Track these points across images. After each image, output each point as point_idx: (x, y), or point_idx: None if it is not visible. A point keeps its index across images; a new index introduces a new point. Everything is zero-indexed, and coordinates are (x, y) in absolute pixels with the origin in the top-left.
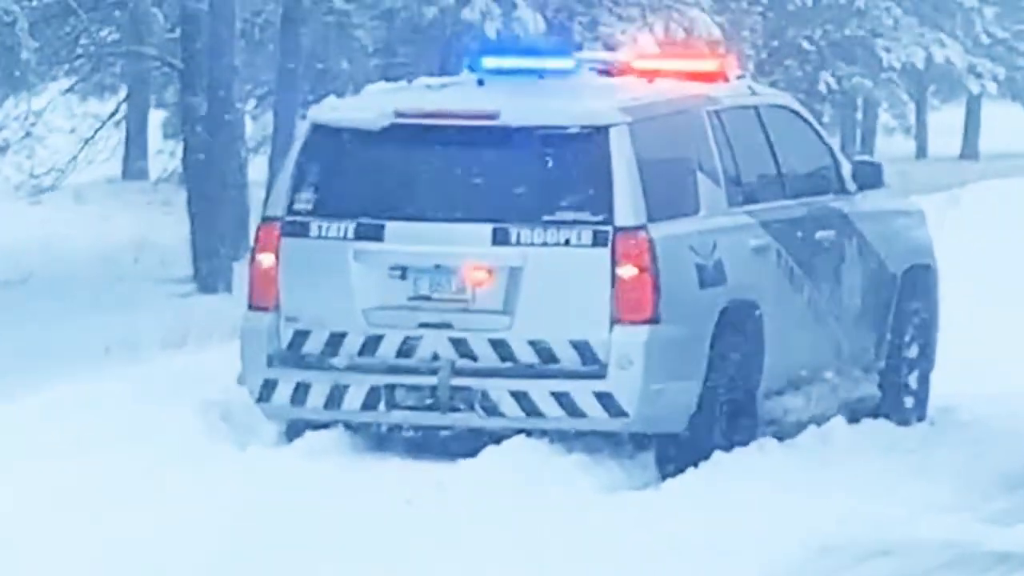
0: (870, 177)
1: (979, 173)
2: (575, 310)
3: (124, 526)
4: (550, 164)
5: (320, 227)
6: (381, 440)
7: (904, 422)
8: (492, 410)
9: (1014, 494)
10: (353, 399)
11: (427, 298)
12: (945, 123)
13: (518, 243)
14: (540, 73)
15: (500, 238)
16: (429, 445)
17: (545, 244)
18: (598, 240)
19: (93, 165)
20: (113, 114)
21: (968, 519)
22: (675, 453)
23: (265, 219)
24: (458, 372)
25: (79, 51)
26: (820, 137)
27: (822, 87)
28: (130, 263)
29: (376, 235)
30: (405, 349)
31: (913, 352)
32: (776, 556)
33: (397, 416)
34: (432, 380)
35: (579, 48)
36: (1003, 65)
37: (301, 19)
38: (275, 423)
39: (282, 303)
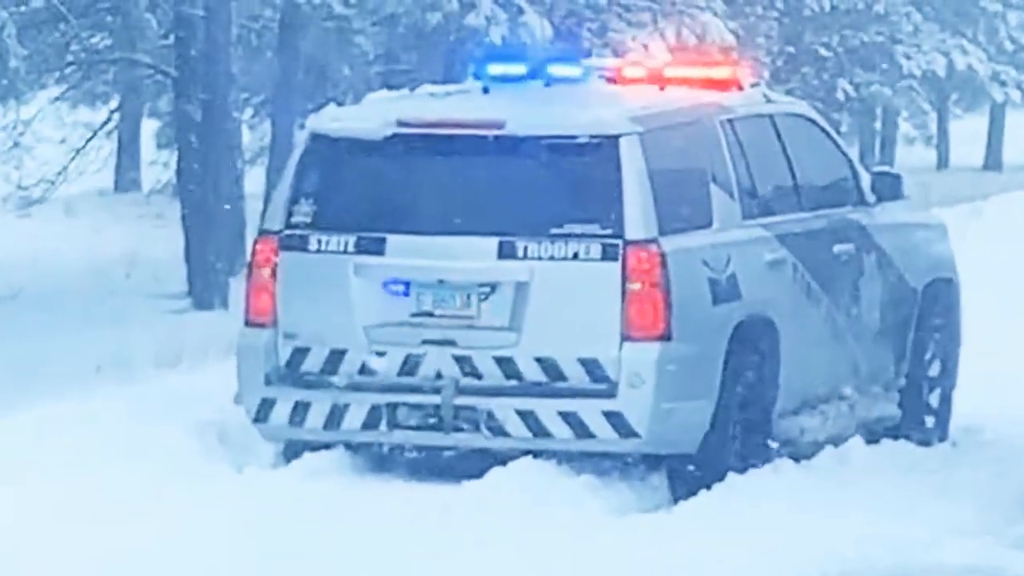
0: (890, 189)
1: (1002, 185)
2: (584, 326)
3: (117, 551)
4: (558, 175)
5: (319, 241)
6: (383, 461)
7: (925, 442)
8: (498, 430)
9: None
10: (354, 419)
11: (430, 314)
12: (967, 132)
13: (525, 257)
14: (548, 80)
15: (506, 252)
16: (432, 466)
17: (552, 258)
18: (608, 254)
19: (84, 176)
20: (105, 123)
21: (991, 543)
22: (687, 475)
23: (262, 232)
24: (462, 391)
25: (70, 58)
26: (838, 147)
27: (840, 95)
28: (122, 278)
29: (377, 249)
30: (408, 367)
31: (934, 369)
32: None
33: (399, 436)
34: (436, 399)
35: (588, 55)
36: None
37: (300, 24)
38: (273, 444)
39: (280, 319)
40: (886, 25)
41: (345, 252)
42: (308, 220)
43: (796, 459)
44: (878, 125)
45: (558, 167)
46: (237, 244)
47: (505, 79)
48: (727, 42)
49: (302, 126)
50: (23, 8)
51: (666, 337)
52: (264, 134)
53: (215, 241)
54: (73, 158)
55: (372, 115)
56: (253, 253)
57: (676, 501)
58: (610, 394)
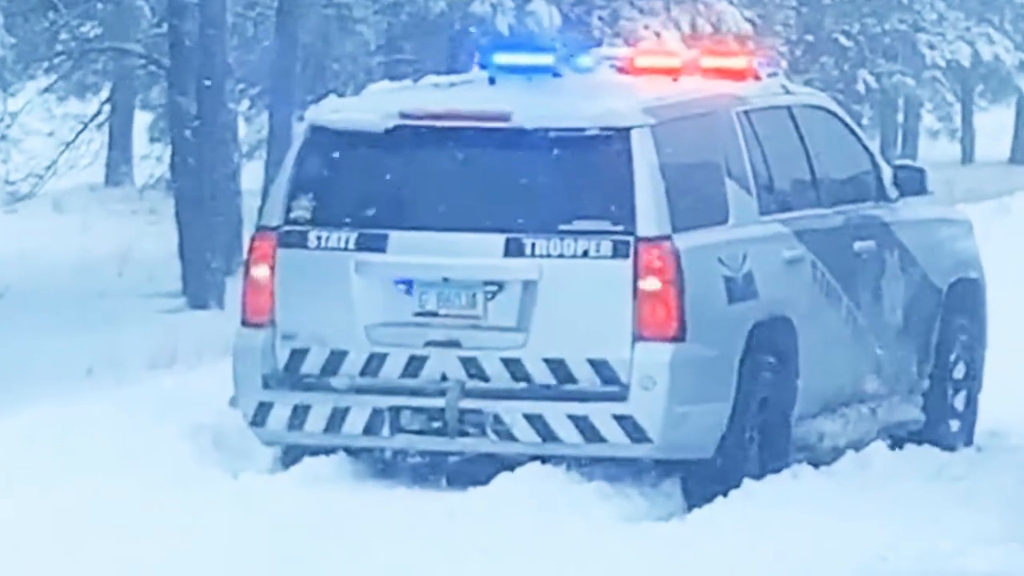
0: (912, 183)
1: None
2: (594, 326)
3: (109, 558)
4: (567, 169)
5: (319, 237)
6: (385, 467)
7: (949, 447)
8: (505, 434)
9: None
10: (355, 423)
11: (434, 314)
12: (993, 125)
13: (532, 255)
14: (556, 70)
15: (513, 249)
16: (437, 472)
17: (561, 256)
18: (619, 251)
19: (74, 171)
20: (95, 115)
21: (1017, 550)
22: (702, 481)
23: (260, 229)
24: (468, 393)
25: (59, 48)
26: (859, 140)
27: (860, 86)
28: (114, 276)
29: (379, 246)
30: (411, 369)
31: (959, 372)
32: None
33: (402, 441)
34: (440, 402)
35: (598, 44)
36: None
37: (298, 13)
38: (271, 448)
39: (278, 319)
40: (909, 13)
41: (346, 249)
42: (307, 216)
43: (816, 465)
44: (900, 117)
45: (567, 161)
46: (233, 241)
47: (512, 69)
48: (743, 31)
49: (301, 118)
50: None
51: (680, 338)
52: (261, 126)
53: (210, 238)
54: (63, 151)
55: (374, 107)
56: (250, 250)
57: (690, 509)
58: (621, 397)
